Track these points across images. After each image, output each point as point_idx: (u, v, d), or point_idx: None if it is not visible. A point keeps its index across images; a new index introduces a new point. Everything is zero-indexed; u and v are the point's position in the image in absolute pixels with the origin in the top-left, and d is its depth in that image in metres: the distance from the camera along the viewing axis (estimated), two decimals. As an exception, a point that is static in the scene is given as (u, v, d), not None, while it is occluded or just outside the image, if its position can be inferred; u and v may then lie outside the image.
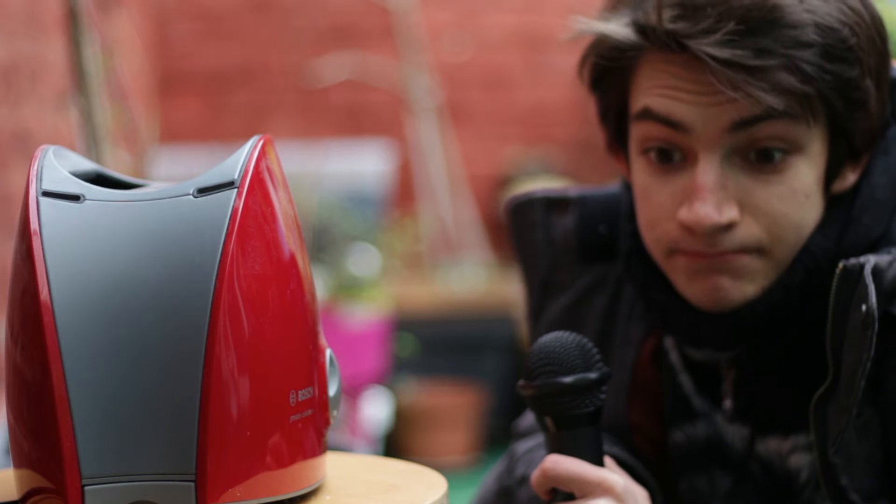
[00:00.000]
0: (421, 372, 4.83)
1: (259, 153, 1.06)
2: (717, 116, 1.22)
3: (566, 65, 5.50)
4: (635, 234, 1.33)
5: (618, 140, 1.34)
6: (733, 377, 1.33)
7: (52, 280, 1.01)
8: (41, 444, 1.02)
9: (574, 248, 1.42)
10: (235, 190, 1.03)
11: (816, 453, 1.22)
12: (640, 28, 1.24)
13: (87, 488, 1.01)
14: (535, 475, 1.19)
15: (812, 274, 1.26)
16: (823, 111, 1.23)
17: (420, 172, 5.38)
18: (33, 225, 1.02)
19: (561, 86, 5.51)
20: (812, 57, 1.20)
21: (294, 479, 1.07)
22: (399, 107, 5.43)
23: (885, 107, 1.27)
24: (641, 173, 1.29)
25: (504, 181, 5.53)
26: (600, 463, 1.20)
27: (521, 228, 1.47)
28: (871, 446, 1.22)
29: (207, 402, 1.00)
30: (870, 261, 1.20)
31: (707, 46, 1.19)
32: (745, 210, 1.24)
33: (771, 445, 1.31)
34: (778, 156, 1.23)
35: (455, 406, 4.77)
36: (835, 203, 1.28)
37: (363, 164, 5.02)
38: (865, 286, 1.18)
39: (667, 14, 1.22)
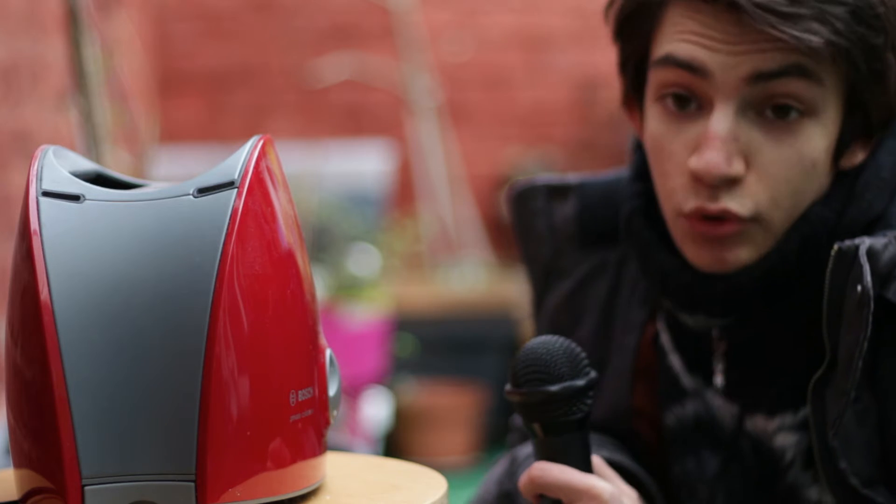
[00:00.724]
0: (421, 372, 4.83)
1: (259, 153, 1.06)
2: (737, 65, 1.23)
3: (566, 65, 5.50)
4: (639, 195, 1.34)
5: (635, 91, 1.34)
6: (724, 349, 1.33)
7: (52, 280, 1.01)
8: (41, 444, 1.02)
9: (575, 235, 1.43)
10: (235, 190, 1.03)
11: (815, 436, 1.22)
12: None
13: (87, 488, 1.01)
14: (522, 481, 1.19)
15: (808, 242, 1.26)
16: (843, 76, 1.24)
17: (420, 172, 5.38)
18: (33, 225, 1.02)
19: (561, 86, 5.51)
20: (843, 13, 1.21)
21: (294, 479, 1.07)
22: (399, 107, 5.43)
23: None
24: (655, 121, 1.29)
25: (504, 181, 5.53)
26: (588, 469, 1.20)
27: (522, 217, 1.47)
28: (870, 432, 1.23)
29: (207, 402, 1.00)
30: (865, 242, 1.20)
31: None
32: (752, 168, 1.25)
33: (758, 424, 1.31)
34: (793, 114, 1.24)
35: (455, 406, 4.77)
36: (840, 178, 1.28)
37: (363, 164, 5.02)
38: (860, 266, 1.18)
39: None
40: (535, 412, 1.19)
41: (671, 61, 1.26)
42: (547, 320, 1.47)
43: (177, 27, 5.61)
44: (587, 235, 1.42)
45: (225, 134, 5.45)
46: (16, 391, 1.04)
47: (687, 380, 1.35)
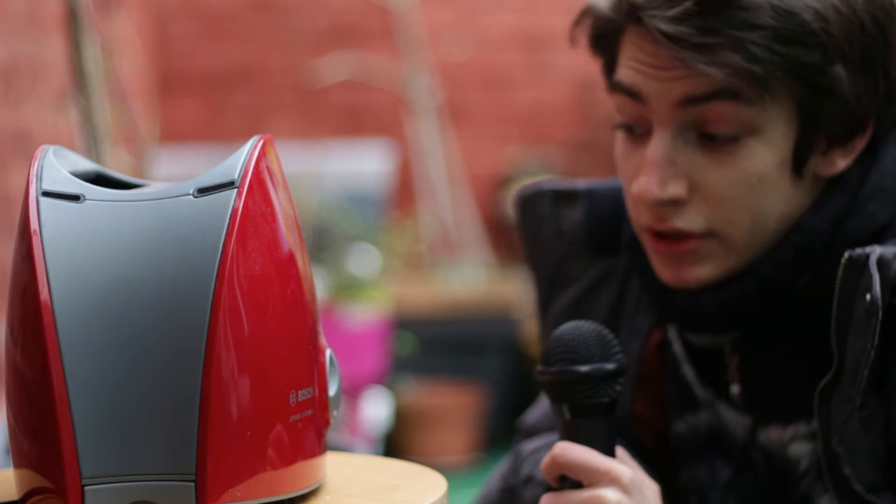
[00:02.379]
0: (421, 372, 4.83)
1: (259, 153, 1.06)
2: (669, 91, 1.25)
3: (566, 65, 5.50)
4: None
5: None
6: (737, 362, 1.33)
7: (52, 280, 1.01)
8: (41, 444, 1.02)
9: (583, 241, 1.43)
10: (235, 190, 1.03)
11: (820, 443, 1.22)
12: (612, 2, 1.28)
13: (87, 488, 1.01)
14: (544, 461, 1.20)
15: (803, 253, 1.26)
16: (782, 93, 1.23)
17: (420, 172, 5.38)
18: (33, 225, 1.02)
19: (561, 86, 5.51)
20: (760, 39, 1.21)
21: (294, 479, 1.07)
22: (399, 107, 5.43)
23: (877, 94, 1.26)
24: (618, 144, 1.32)
25: (504, 181, 5.53)
26: (611, 453, 1.21)
27: (528, 222, 1.48)
28: (876, 438, 1.23)
29: (207, 402, 1.00)
30: (875, 251, 1.20)
31: (658, 21, 1.23)
32: (696, 189, 1.26)
33: (772, 434, 1.31)
34: (722, 137, 1.24)
35: (455, 406, 4.77)
36: (839, 184, 1.28)
37: (363, 164, 5.02)
38: (870, 276, 1.18)
39: None
40: (563, 392, 1.20)
41: (618, 87, 1.29)
42: (552, 324, 1.47)
43: (177, 27, 5.61)
44: (595, 243, 1.43)
45: (225, 134, 5.45)
46: (16, 391, 1.04)
47: (699, 390, 1.36)
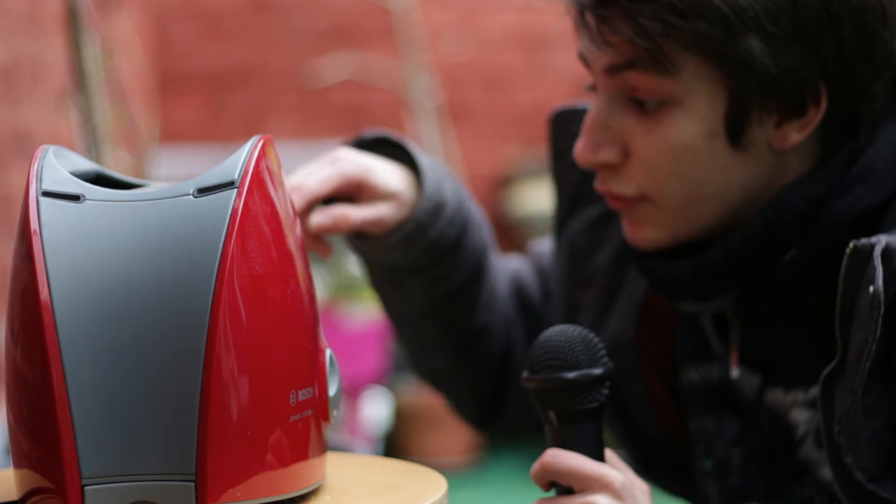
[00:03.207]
0: (421, 372, 4.82)
1: (259, 153, 1.06)
2: (597, 59, 1.28)
3: (566, 65, 5.50)
4: None
5: None
6: (739, 326, 1.34)
7: (52, 280, 1.01)
8: (41, 444, 1.02)
9: None
10: (235, 190, 1.03)
11: (824, 430, 1.23)
12: None
13: (87, 488, 1.01)
14: (534, 468, 1.20)
15: (775, 227, 1.27)
16: (698, 66, 1.23)
17: (420, 172, 5.37)
18: (33, 225, 1.02)
19: (561, 86, 5.50)
20: (652, 11, 1.22)
21: (294, 479, 1.07)
22: (399, 107, 5.42)
23: (820, 65, 1.23)
24: None
25: (504, 181, 5.53)
26: (601, 458, 1.20)
27: (559, 138, 1.50)
28: (880, 427, 1.23)
29: (207, 402, 1.00)
30: (881, 241, 1.19)
31: None
32: (629, 154, 1.28)
33: (777, 396, 1.33)
34: (649, 105, 1.26)
35: (455, 406, 4.76)
36: (829, 159, 1.27)
37: (363, 164, 5.01)
38: (874, 268, 1.18)
39: None
40: (550, 399, 1.19)
41: (579, 55, 1.32)
42: (567, 242, 1.51)
43: (177, 27, 5.61)
44: None
45: (225, 134, 5.44)
46: (16, 391, 1.04)
47: (716, 343, 1.37)
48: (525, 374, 1.20)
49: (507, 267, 1.59)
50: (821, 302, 1.26)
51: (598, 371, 1.19)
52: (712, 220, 1.29)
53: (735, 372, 1.35)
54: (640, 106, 1.27)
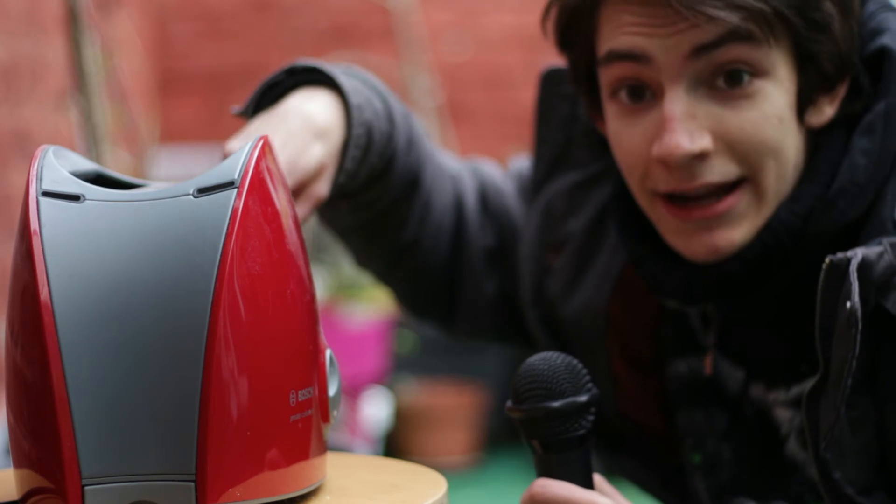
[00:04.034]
0: (421, 371, 4.83)
1: (259, 153, 1.06)
2: (677, 45, 1.23)
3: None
4: (621, 178, 1.34)
5: (591, 96, 1.35)
6: (718, 323, 1.34)
7: (52, 280, 1.01)
8: (41, 444, 1.02)
9: (595, 131, 1.42)
10: (235, 190, 1.03)
11: (810, 446, 1.23)
12: None
13: (87, 488, 1.01)
14: (523, 499, 1.19)
15: (770, 248, 1.26)
16: (784, 32, 1.23)
17: (420, 172, 5.38)
18: (33, 225, 1.02)
19: (561, 86, 5.50)
20: None
21: (294, 479, 1.07)
22: (399, 107, 5.42)
23: (852, 37, 1.26)
24: (613, 119, 1.30)
25: (504, 181, 5.53)
26: (590, 485, 1.19)
27: (547, 97, 1.48)
28: (867, 439, 1.22)
29: (207, 402, 1.00)
30: (857, 255, 1.19)
31: None
32: (719, 139, 1.24)
33: (761, 392, 1.33)
34: (746, 77, 1.23)
35: (455, 406, 4.77)
36: (812, 172, 1.27)
37: (363, 164, 5.01)
38: (850, 284, 1.17)
39: None
40: (536, 429, 1.17)
41: (615, 56, 1.26)
42: (543, 203, 1.48)
43: (177, 27, 5.61)
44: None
45: (225, 134, 5.39)
46: (16, 391, 1.04)
47: (702, 337, 1.36)
48: (509, 403, 1.19)
49: (455, 173, 1.54)
50: (800, 311, 1.25)
51: (583, 398, 1.17)
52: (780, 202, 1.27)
53: (713, 363, 1.35)
54: (724, 88, 1.24)
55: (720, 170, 1.24)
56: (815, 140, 1.29)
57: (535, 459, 1.19)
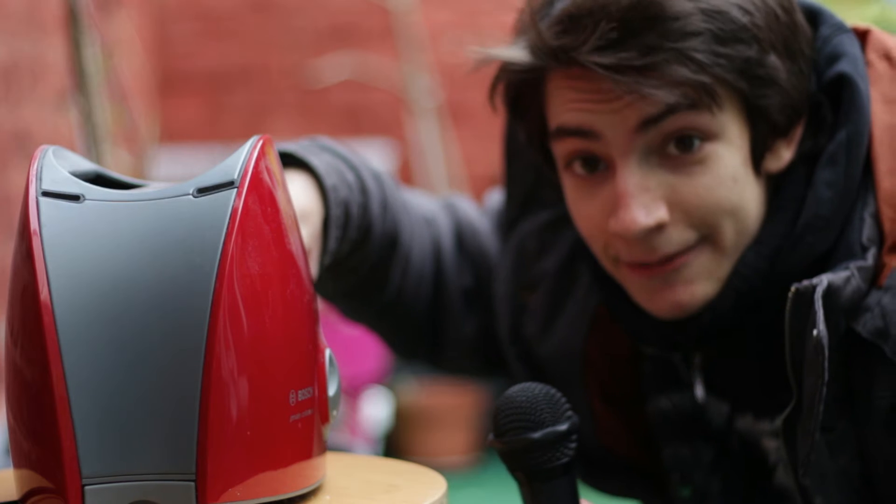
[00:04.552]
0: (421, 372, 4.82)
1: (259, 153, 1.06)
2: (623, 120, 1.22)
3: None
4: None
5: (547, 163, 1.34)
6: (700, 362, 1.34)
7: (52, 280, 1.01)
8: (41, 444, 1.02)
9: None
10: (235, 190, 1.03)
11: (790, 473, 1.22)
12: (533, 49, 1.24)
13: (87, 488, 1.01)
14: None
15: (744, 296, 1.26)
16: (730, 95, 1.22)
17: (420, 172, 5.38)
18: (33, 225, 1.02)
19: (561, 86, 5.50)
20: (701, 45, 1.19)
21: (294, 478, 1.07)
22: (399, 107, 5.42)
23: (803, 80, 1.25)
24: (570, 189, 1.29)
25: (504, 181, 5.53)
26: None
27: (515, 135, 1.46)
28: (848, 461, 1.22)
29: (207, 402, 1.00)
30: (822, 282, 1.18)
31: (592, 55, 1.20)
32: (675, 208, 1.23)
33: (748, 423, 1.32)
34: (696, 142, 1.22)
35: (455, 406, 4.77)
36: (776, 211, 1.26)
37: (363, 164, 5.01)
38: (815, 311, 1.16)
39: (552, 31, 1.22)
40: (519, 460, 1.17)
41: (563, 132, 1.26)
42: (516, 242, 1.47)
43: (177, 27, 5.61)
44: None
45: (225, 134, 5.44)
46: (16, 391, 1.04)
47: (685, 372, 1.36)
48: (490, 437, 1.19)
49: (430, 216, 1.54)
50: (779, 342, 1.25)
51: (563, 427, 1.16)
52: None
53: (700, 395, 1.34)
54: (679, 151, 1.23)
55: (678, 239, 1.24)
56: (776, 180, 1.28)
57: (521, 490, 1.19)
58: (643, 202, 1.23)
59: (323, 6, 5.59)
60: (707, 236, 1.25)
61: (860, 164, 1.25)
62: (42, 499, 1.03)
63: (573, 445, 1.17)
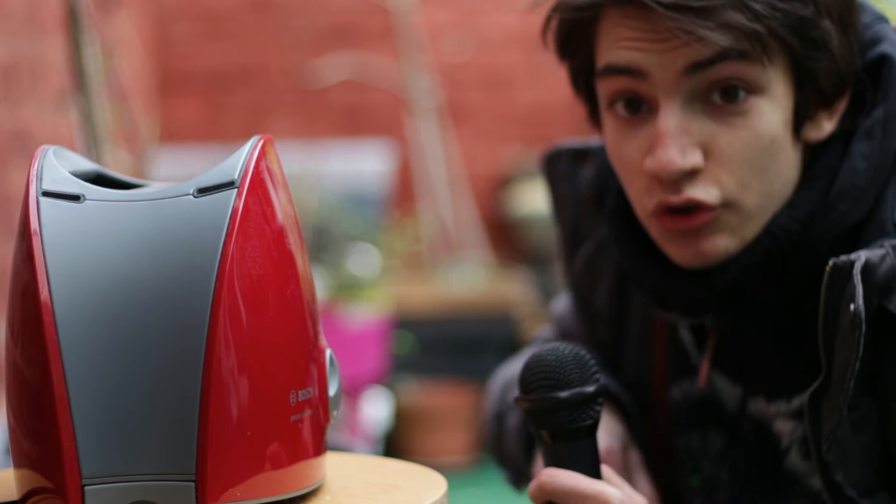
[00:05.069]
0: (421, 372, 4.83)
1: (259, 153, 1.06)
2: (672, 61, 1.24)
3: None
4: (619, 192, 1.35)
5: (591, 105, 1.36)
6: (716, 338, 1.34)
7: (52, 280, 1.01)
8: (41, 444, 1.02)
9: (592, 199, 1.44)
10: (235, 190, 1.03)
11: (812, 447, 1.23)
12: None
13: (87, 488, 1.01)
14: (531, 488, 1.19)
15: (773, 255, 1.26)
16: (780, 51, 1.23)
17: (420, 172, 5.38)
18: (33, 225, 1.02)
19: (561, 86, 5.47)
20: None
21: (294, 479, 1.07)
22: (399, 107, 5.43)
23: (852, 53, 1.27)
24: (610, 130, 1.30)
25: (504, 181, 5.53)
26: (597, 475, 1.19)
27: (551, 181, 1.49)
28: (869, 439, 1.22)
29: (207, 402, 1.00)
30: (860, 258, 1.19)
31: None
32: (710, 156, 1.25)
33: (760, 406, 1.32)
34: (741, 93, 1.23)
35: (455, 406, 4.77)
36: (810, 179, 1.28)
37: (363, 164, 5.02)
38: (854, 286, 1.17)
39: None
40: (544, 419, 1.18)
41: (611, 69, 1.27)
42: (575, 284, 1.50)
43: (177, 27, 5.61)
44: (601, 200, 1.43)
45: (225, 134, 5.44)
46: (16, 391, 1.04)
47: (696, 357, 1.36)
48: (517, 393, 1.20)
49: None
50: (802, 318, 1.26)
51: (590, 388, 1.18)
52: (768, 218, 1.28)
53: (708, 378, 1.35)
54: (719, 104, 1.24)
55: (704, 189, 1.25)
56: (813, 151, 1.29)
57: (543, 450, 1.20)
58: (681, 144, 1.24)
59: (323, 6, 5.59)
60: (732, 199, 1.25)
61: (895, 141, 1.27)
62: (42, 499, 1.03)
63: (598, 408, 1.18)
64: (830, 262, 1.20)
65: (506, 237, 5.46)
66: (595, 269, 1.45)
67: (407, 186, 5.46)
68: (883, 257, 1.20)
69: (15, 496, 1.07)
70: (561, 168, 1.47)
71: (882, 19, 1.31)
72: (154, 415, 1.00)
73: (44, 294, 1.00)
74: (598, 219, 1.44)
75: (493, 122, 5.67)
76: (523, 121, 5.65)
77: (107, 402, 1.00)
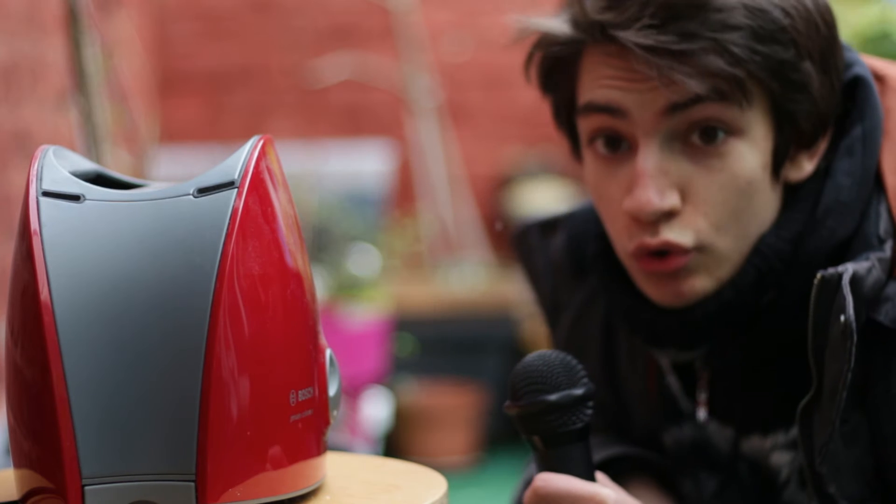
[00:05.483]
0: (421, 372, 4.83)
1: (259, 153, 1.06)
2: (652, 101, 1.24)
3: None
4: (600, 237, 1.35)
5: (573, 140, 1.36)
6: (708, 377, 1.33)
7: (52, 280, 1.01)
8: (41, 444, 1.02)
9: (566, 267, 1.44)
10: (235, 190, 1.03)
11: (805, 462, 1.22)
12: (574, 22, 1.26)
13: (87, 488, 1.01)
14: (527, 495, 1.19)
15: (764, 275, 1.26)
16: (760, 93, 1.23)
17: (420, 172, 5.38)
18: (33, 225, 1.02)
19: (561, 86, 5.49)
20: (740, 39, 1.21)
21: (294, 479, 1.07)
22: (399, 107, 5.43)
23: (833, 93, 1.27)
24: (590, 166, 1.30)
25: (504, 181, 5.53)
26: (591, 478, 1.19)
27: (524, 256, 1.50)
28: (861, 452, 1.22)
29: (207, 402, 1.00)
30: (848, 270, 1.19)
31: (632, 34, 1.21)
32: (687, 198, 1.25)
33: (754, 444, 1.32)
34: (720, 135, 1.23)
35: (455, 406, 4.77)
36: (794, 202, 1.28)
37: (363, 164, 5.02)
38: (843, 297, 1.17)
39: (596, 6, 1.24)
40: (534, 424, 1.18)
41: (592, 107, 1.27)
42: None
43: (177, 27, 5.61)
44: (576, 265, 1.43)
45: (225, 134, 5.45)
46: (16, 391, 1.04)
47: (684, 403, 1.36)
48: (507, 402, 1.20)
49: None
50: (793, 338, 1.25)
51: (579, 391, 1.18)
52: (740, 262, 1.27)
53: (702, 416, 1.34)
54: (697, 145, 1.24)
55: (679, 231, 1.25)
56: (793, 187, 1.29)
57: (535, 456, 1.20)
58: (659, 185, 1.24)
59: (323, 6, 5.59)
60: (705, 244, 1.25)
61: (876, 157, 1.27)
62: (42, 499, 1.03)
63: (589, 412, 1.19)
64: (819, 275, 1.20)
65: (505, 237, 5.46)
66: (580, 337, 1.45)
67: (407, 186, 5.46)
68: (869, 269, 1.20)
69: (15, 496, 1.07)
70: (531, 242, 1.47)
71: (848, 49, 1.32)
72: (154, 415, 1.00)
73: (44, 294, 1.00)
74: (576, 284, 1.44)
75: (493, 122, 5.67)
76: (523, 121, 5.65)
77: (107, 402, 1.00)
